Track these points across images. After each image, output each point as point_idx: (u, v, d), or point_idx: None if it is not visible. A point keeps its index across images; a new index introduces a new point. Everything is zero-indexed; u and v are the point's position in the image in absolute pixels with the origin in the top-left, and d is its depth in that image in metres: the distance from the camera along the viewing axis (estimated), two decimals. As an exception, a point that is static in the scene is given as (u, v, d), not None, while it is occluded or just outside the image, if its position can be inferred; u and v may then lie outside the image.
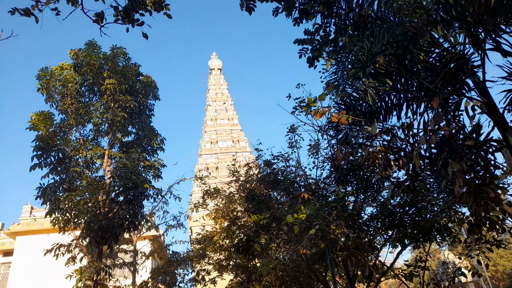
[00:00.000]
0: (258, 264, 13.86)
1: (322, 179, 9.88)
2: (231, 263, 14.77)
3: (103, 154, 10.88)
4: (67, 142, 10.37)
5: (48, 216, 9.81)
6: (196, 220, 29.93)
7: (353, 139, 5.75)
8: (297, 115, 8.16)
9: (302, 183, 10.15)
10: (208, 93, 45.72)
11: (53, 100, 10.72)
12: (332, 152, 8.71)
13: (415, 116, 4.95)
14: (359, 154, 6.81)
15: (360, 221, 8.28)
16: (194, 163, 44.00)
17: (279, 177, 10.02)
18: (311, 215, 6.55)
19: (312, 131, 9.77)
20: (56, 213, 9.76)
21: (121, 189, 9.90)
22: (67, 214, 9.80)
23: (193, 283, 14.58)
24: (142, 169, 10.29)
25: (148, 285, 13.52)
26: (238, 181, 13.45)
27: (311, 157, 10.03)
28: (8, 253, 23.75)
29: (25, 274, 20.92)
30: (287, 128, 10.21)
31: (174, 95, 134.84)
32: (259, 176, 10.94)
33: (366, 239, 8.34)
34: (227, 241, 14.05)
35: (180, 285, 14.50)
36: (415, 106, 4.89)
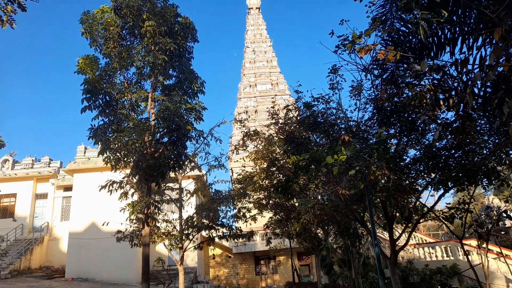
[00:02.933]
0: (296, 204, 14.34)
1: (363, 122, 9.67)
2: (270, 202, 15.39)
3: (146, 97, 11.20)
4: (112, 85, 10.73)
5: (100, 155, 10.51)
6: (237, 161, 30.89)
7: (399, 78, 5.46)
8: (339, 54, 7.78)
9: (343, 126, 10.00)
10: (247, 34, 44.54)
11: (97, 44, 10.93)
12: (376, 93, 8.38)
13: (470, 52, 4.57)
14: (404, 95, 6.52)
15: (402, 163, 8.15)
16: (233, 106, 44.27)
17: (319, 120, 9.91)
18: (351, 157, 6.52)
19: (355, 71, 9.39)
20: (107, 153, 10.41)
21: (165, 130, 10.28)
22: (117, 154, 10.41)
23: (235, 219, 15.44)
24: (184, 111, 10.52)
25: (194, 219, 14.51)
26: (277, 124, 13.49)
27: (353, 99, 9.74)
28: (68, 188, 26.26)
29: (83, 207, 23.19)
30: (329, 68, 9.85)
31: (212, 37, 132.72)
32: (298, 118, 10.88)
33: (407, 182, 8.26)
34: (267, 182, 14.51)
35: (223, 220, 15.41)
36: (471, 40, 4.49)
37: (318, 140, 10.75)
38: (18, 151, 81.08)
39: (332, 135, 9.87)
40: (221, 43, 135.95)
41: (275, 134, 14.00)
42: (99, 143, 10.29)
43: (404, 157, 8.47)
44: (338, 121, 10.08)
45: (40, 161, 28.78)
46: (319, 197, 12.69)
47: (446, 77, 4.63)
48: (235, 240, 15.43)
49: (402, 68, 5.66)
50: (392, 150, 8.38)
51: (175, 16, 11.09)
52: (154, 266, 13.99)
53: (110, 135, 10.29)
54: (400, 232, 9.47)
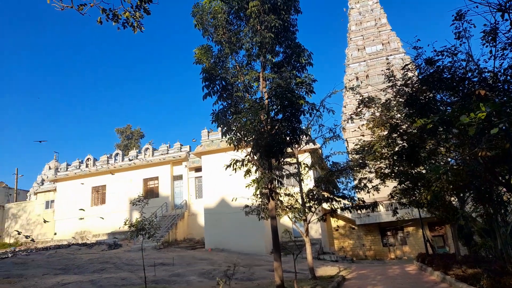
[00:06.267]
0: (423, 171, 13.21)
1: (502, 71, 8.27)
2: (395, 170, 14.53)
3: (258, 77, 11.54)
4: (226, 70, 11.33)
5: (223, 137, 11.34)
6: (355, 130, 29.93)
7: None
8: (467, -5, 6.70)
9: (475, 79, 8.74)
10: (349, -5, 41.85)
11: (208, 34, 11.62)
12: (519, 33, 7.01)
13: None
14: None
15: (561, 114, 6.73)
16: (342, 74, 42.66)
17: (445, 75, 8.83)
18: (490, 113, 5.63)
19: (487, 13, 7.93)
20: (229, 134, 11.18)
21: (278, 107, 10.48)
22: (238, 134, 11.09)
23: (356, 190, 15.10)
24: (295, 86, 10.53)
25: (314, 192, 14.71)
26: (394, 87, 12.51)
27: (486, 46, 8.36)
28: (198, 169, 29.35)
29: (213, 185, 25.59)
30: (453, 15, 8.61)
31: (312, 4, 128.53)
32: (419, 77, 9.87)
33: None
34: (387, 150, 13.70)
35: (344, 192, 15.22)
36: None
37: (445, 99, 9.63)
38: (153, 139, 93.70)
39: (462, 91, 8.73)
40: (321, 9, 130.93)
41: (392, 98, 13.02)
42: (221, 125, 11.09)
43: None
44: (469, 74, 8.83)
45: (173, 147, 32.77)
46: (452, 162, 11.45)
47: None
48: (358, 211, 15.11)
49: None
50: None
51: (277, -9, 11.02)
52: (281, 237, 14.75)
53: (230, 117, 10.97)
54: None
